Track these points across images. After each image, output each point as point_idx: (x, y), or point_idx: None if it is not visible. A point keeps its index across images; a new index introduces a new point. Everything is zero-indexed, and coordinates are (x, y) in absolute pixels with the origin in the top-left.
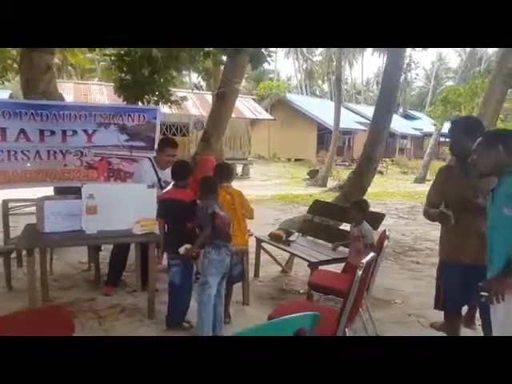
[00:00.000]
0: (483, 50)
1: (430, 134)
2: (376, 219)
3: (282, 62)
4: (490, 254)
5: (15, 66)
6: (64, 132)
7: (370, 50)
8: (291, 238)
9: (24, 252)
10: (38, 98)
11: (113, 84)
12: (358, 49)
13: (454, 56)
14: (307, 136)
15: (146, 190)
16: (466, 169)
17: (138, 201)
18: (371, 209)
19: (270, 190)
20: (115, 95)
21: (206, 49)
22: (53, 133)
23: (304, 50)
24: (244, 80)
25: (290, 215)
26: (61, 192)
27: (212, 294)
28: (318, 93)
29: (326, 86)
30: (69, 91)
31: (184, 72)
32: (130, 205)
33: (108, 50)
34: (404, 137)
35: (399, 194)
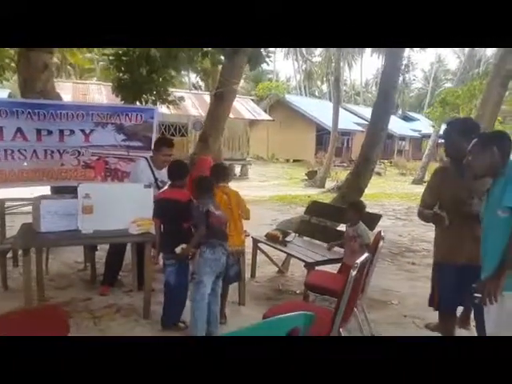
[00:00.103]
0: (482, 52)
1: (428, 136)
2: (372, 220)
3: (281, 63)
4: (483, 255)
5: (13, 65)
6: (61, 131)
7: (368, 51)
8: (288, 239)
9: (20, 251)
10: (36, 97)
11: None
12: (357, 50)
13: (452, 58)
14: (306, 137)
15: (142, 189)
16: (461, 170)
17: (134, 200)
18: (369, 210)
19: (269, 191)
20: (114, 95)
21: (205, 49)
22: (50, 132)
23: (303, 50)
24: (243, 80)
25: (288, 216)
26: (58, 191)
27: (206, 293)
28: (316, 94)
29: (325, 87)
30: (67, 91)
31: (183, 72)
32: (127, 204)
33: (107, 50)
34: (402, 138)
35: (397, 196)
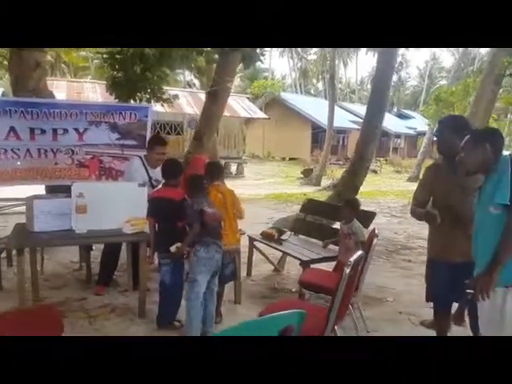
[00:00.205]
0: (476, 49)
1: (423, 133)
2: (367, 217)
3: (277, 61)
4: (475, 252)
5: (5, 63)
6: (55, 130)
7: (364, 49)
8: (283, 237)
9: (14, 251)
10: (28, 95)
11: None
12: (352, 48)
13: (447, 55)
14: (301, 135)
15: (136, 188)
16: (454, 167)
17: (128, 200)
18: (364, 207)
19: (264, 189)
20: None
21: None
22: (43, 131)
23: (299, 48)
24: (238, 79)
25: (284, 214)
26: (52, 191)
27: (201, 292)
28: (312, 92)
29: (320, 85)
30: (62, 89)
31: (178, 70)
32: (121, 204)
33: (101, 48)
34: (398, 136)
35: (392, 193)
